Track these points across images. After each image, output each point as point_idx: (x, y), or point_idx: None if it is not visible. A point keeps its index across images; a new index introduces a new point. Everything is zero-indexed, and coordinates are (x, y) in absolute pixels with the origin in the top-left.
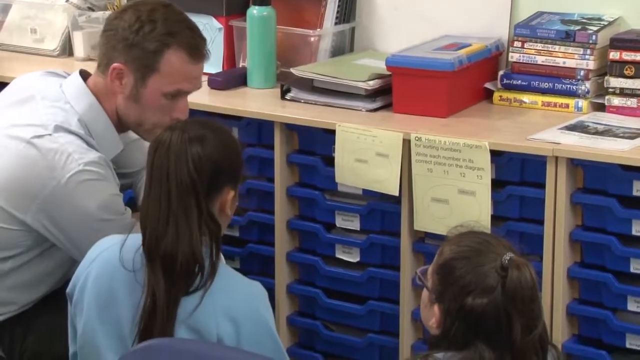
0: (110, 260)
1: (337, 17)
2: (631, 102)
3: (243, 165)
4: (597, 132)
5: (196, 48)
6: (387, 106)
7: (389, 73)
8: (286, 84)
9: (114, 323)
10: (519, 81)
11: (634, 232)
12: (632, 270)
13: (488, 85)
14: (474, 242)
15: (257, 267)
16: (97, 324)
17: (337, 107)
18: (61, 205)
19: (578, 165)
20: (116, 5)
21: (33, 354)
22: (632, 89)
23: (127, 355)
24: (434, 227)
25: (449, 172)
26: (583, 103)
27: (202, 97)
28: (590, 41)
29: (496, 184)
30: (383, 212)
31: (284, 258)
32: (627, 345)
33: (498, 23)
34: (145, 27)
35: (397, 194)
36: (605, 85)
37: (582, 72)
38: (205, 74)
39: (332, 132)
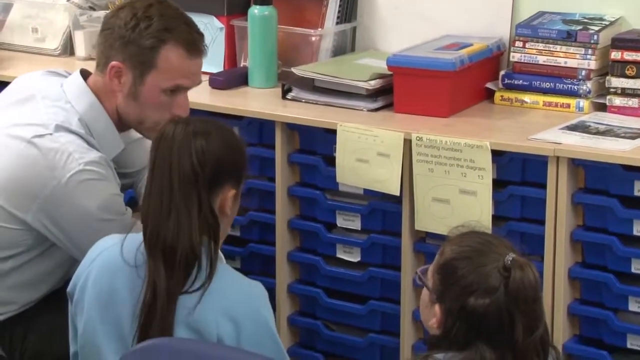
0: (111, 260)
1: (338, 17)
2: (632, 102)
3: (246, 165)
4: (598, 132)
5: (193, 43)
6: (388, 106)
7: (390, 73)
8: (287, 84)
9: (115, 322)
10: (520, 81)
11: (635, 233)
12: (633, 270)
13: (489, 85)
14: (475, 242)
15: (258, 267)
16: (98, 323)
17: (338, 106)
18: (61, 205)
19: (579, 165)
20: (117, 5)
21: (34, 354)
22: (634, 89)
23: (127, 355)
24: (435, 227)
25: (450, 172)
26: (584, 103)
27: (203, 97)
28: (592, 41)
29: (497, 184)
30: (384, 212)
31: (284, 258)
32: (628, 346)
33: (499, 23)
34: (141, 24)
35: (398, 193)
36: (606, 85)
37: (583, 72)
38: (207, 73)
39: (333, 132)
